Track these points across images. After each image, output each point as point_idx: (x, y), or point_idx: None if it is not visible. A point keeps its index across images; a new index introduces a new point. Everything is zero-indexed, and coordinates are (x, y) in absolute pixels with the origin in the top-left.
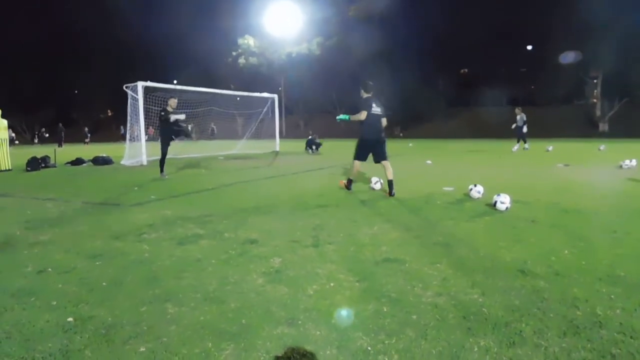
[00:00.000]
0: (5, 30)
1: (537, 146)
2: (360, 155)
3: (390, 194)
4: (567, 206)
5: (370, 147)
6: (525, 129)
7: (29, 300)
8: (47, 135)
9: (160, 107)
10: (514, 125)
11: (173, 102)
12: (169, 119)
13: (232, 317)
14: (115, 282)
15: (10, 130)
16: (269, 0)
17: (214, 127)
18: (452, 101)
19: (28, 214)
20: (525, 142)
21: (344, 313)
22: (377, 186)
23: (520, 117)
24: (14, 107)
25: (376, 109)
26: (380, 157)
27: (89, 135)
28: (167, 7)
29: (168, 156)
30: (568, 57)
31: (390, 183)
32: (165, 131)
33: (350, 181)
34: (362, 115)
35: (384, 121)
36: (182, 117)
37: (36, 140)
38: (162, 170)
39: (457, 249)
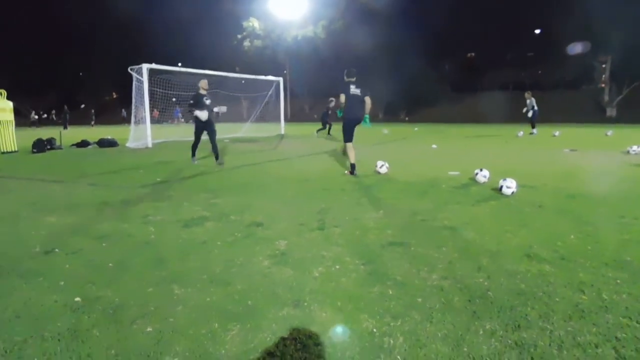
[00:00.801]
0: (11, 12)
1: (543, 131)
2: (348, 137)
3: (351, 172)
4: (573, 191)
5: (354, 128)
6: (530, 114)
7: (37, 281)
8: (54, 117)
9: (164, 88)
10: (524, 110)
11: (204, 84)
12: (206, 100)
13: (238, 299)
14: (121, 264)
15: (34, 112)
16: None
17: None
18: (458, 85)
19: (35, 196)
20: (533, 127)
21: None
22: (383, 170)
23: (530, 101)
24: (19, 90)
25: (355, 90)
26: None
27: (94, 117)
28: None
29: (173, 139)
30: (576, 48)
31: (353, 165)
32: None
33: (353, 166)
34: (342, 98)
35: (368, 100)
36: (223, 109)
37: (36, 117)
38: (193, 155)
39: (462, 233)
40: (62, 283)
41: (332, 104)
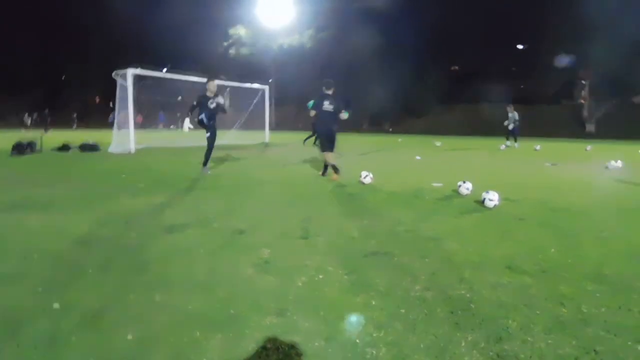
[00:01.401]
0: None
1: (525, 145)
2: (325, 147)
3: (323, 174)
4: (554, 205)
5: (327, 140)
6: (511, 127)
7: (14, 286)
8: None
9: (146, 94)
10: (506, 122)
11: (213, 86)
12: (210, 104)
13: (221, 307)
14: (102, 269)
15: (27, 115)
16: None
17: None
18: (442, 97)
19: (14, 199)
20: (515, 141)
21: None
22: (367, 180)
23: (512, 115)
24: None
25: (328, 107)
26: (331, 145)
27: (76, 120)
28: None
29: (156, 144)
30: (563, 60)
31: (326, 167)
32: (208, 118)
33: (334, 167)
34: (312, 113)
35: (343, 115)
36: (226, 102)
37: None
38: (205, 164)
39: (445, 244)
40: (40, 289)
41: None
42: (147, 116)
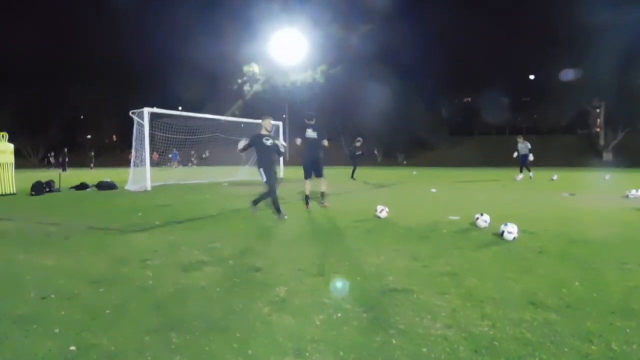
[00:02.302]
0: (12, 54)
1: (541, 175)
2: (305, 174)
3: (322, 204)
4: (574, 236)
5: (310, 166)
6: (525, 157)
7: (31, 327)
8: (52, 160)
9: (164, 132)
10: (515, 155)
11: (268, 124)
12: (267, 141)
13: (238, 347)
14: (118, 309)
15: (53, 154)
16: (275, 28)
17: (207, 152)
18: (455, 129)
19: (31, 239)
20: (529, 171)
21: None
22: (383, 214)
23: (524, 145)
24: (20, 131)
25: (311, 134)
26: (317, 173)
27: (93, 159)
28: (173, 33)
29: (172, 182)
30: (568, 75)
31: (322, 194)
32: (264, 158)
33: (306, 198)
34: (298, 141)
35: (325, 142)
36: (282, 142)
37: (52, 161)
38: (279, 210)
39: (465, 279)
40: (57, 330)
41: (359, 144)
42: (162, 154)
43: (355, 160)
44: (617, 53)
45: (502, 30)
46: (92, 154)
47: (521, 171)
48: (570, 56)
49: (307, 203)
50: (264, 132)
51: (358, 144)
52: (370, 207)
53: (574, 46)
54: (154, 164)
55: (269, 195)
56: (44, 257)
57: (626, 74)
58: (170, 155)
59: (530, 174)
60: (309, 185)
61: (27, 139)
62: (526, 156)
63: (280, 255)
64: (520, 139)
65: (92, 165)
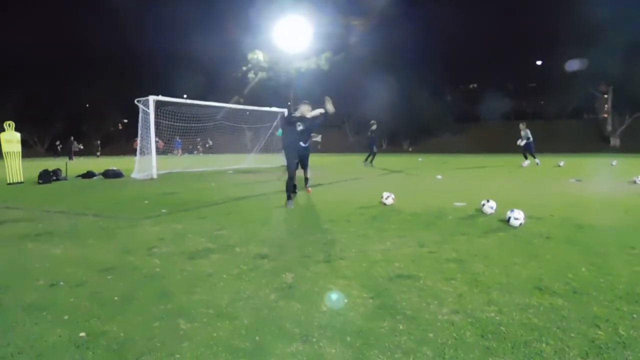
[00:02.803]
0: (17, 44)
1: (548, 161)
2: (302, 164)
3: (306, 187)
4: (581, 222)
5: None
6: (522, 143)
7: (40, 315)
8: (60, 148)
9: (169, 120)
10: (519, 141)
11: (306, 109)
12: (299, 129)
13: (245, 334)
14: (126, 297)
15: (76, 143)
16: (278, 15)
17: (210, 141)
18: (460, 116)
19: (39, 227)
20: (534, 157)
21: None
22: (389, 201)
23: (525, 132)
24: (26, 120)
25: (300, 127)
26: (301, 164)
27: (99, 148)
28: (177, 21)
29: (177, 170)
30: (574, 65)
31: (305, 180)
32: (290, 142)
33: (294, 189)
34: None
35: (314, 135)
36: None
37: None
38: (289, 197)
39: (471, 265)
40: (66, 317)
41: (374, 127)
42: (168, 142)
43: (372, 146)
44: (625, 37)
45: (508, 15)
46: (99, 142)
47: (526, 158)
48: (577, 40)
49: (307, 188)
50: (298, 113)
51: (373, 127)
52: (376, 194)
53: (580, 30)
54: (159, 152)
55: (291, 178)
56: (51, 245)
57: (634, 58)
58: (173, 144)
59: (537, 160)
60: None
61: (33, 129)
62: (528, 143)
63: (286, 242)
64: (522, 126)
65: (98, 153)
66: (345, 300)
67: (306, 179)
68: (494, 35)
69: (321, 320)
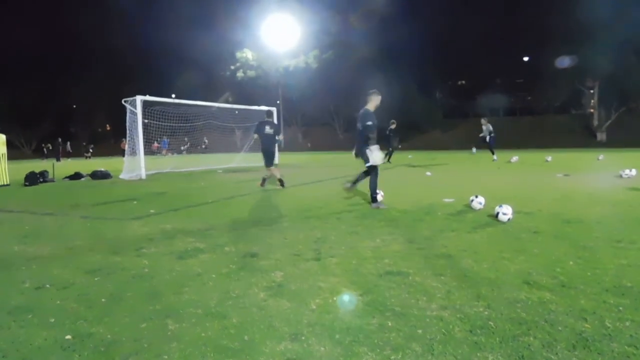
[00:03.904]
0: (3, 44)
1: (536, 156)
2: (267, 163)
3: (282, 185)
4: (569, 216)
5: (265, 155)
6: (488, 139)
7: (26, 318)
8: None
9: (157, 119)
10: (481, 135)
11: (377, 99)
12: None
13: (234, 333)
14: (114, 298)
15: (68, 144)
16: (267, 13)
17: (206, 140)
18: (449, 112)
19: (26, 229)
20: (492, 153)
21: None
22: (378, 198)
23: (487, 127)
24: (13, 122)
25: (269, 130)
26: (268, 164)
27: (90, 149)
28: (164, 20)
29: (166, 170)
30: (564, 62)
31: (264, 180)
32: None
33: (281, 180)
34: (256, 136)
35: (280, 137)
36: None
37: (46, 152)
38: (375, 199)
39: (460, 261)
40: (52, 320)
41: (394, 126)
42: (158, 142)
43: (391, 144)
44: (611, 33)
45: (497, 12)
46: (91, 145)
47: (493, 153)
48: (564, 37)
49: (281, 184)
50: (370, 108)
51: (393, 126)
52: (365, 191)
53: (568, 27)
54: (149, 152)
55: (369, 177)
56: (38, 247)
57: (620, 54)
58: (160, 144)
59: (494, 156)
60: (276, 171)
61: (20, 130)
62: (491, 138)
63: (275, 240)
64: (484, 121)
65: (88, 154)
66: (356, 302)
67: (264, 180)
68: (483, 31)
69: (310, 318)
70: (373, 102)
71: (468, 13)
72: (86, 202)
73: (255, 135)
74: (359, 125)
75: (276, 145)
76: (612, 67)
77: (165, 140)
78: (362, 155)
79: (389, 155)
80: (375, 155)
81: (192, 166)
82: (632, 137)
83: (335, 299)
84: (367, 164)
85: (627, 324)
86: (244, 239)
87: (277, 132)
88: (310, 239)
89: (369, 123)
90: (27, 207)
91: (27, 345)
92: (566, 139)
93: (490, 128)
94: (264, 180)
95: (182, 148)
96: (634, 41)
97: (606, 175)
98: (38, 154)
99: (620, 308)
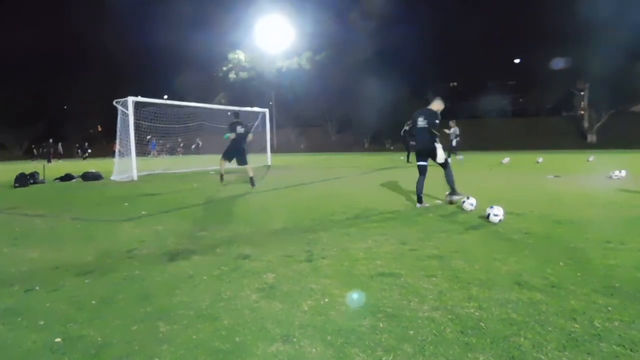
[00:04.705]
0: None
1: (527, 157)
2: (225, 155)
3: (252, 185)
4: (559, 217)
5: (234, 154)
6: (454, 142)
7: (15, 321)
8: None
9: (149, 120)
10: (451, 137)
11: (442, 104)
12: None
13: (226, 335)
14: (105, 300)
15: (60, 145)
16: (259, 15)
17: (199, 141)
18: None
19: (16, 231)
20: (455, 155)
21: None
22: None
23: (454, 130)
24: (3, 122)
25: (240, 130)
26: (242, 162)
27: (88, 150)
28: (157, 21)
29: (158, 171)
30: (559, 63)
31: (251, 179)
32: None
33: (221, 176)
34: (232, 135)
35: (250, 136)
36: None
37: (35, 153)
38: (454, 191)
39: (451, 262)
40: (42, 322)
41: (408, 127)
42: (147, 144)
43: (407, 143)
44: (602, 35)
45: (488, 15)
46: (86, 144)
47: (454, 155)
48: (556, 39)
49: (221, 178)
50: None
51: (407, 127)
52: (358, 193)
53: (559, 29)
54: (141, 153)
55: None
56: (28, 249)
57: (610, 56)
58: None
59: (458, 157)
60: (224, 165)
61: (11, 132)
62: (452, 141)
63: (268, 242)
64: (452, 123)
65: (86, 155)
66: (365, 299)
67: (251, 178)
68: (475, 34)
69: (302, 319)
70: (437, 105)
71: (460, 16)
72: (77, 204)
73: (233, 135)
74: (422, 122)
75: (246, 143)
76: (602, 69)
77: (154, 142)
78: (430, 151)
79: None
80: (441, 151)
81: (184, 167)
82: (622, 139)
83: (339, 299)
84: (441, 161)
85: (616, 323)
86: (236, 240)
87: (247, 132)
88: (302, 240)
89: (438, 121)
90: (17, 209)
91: (15, 349)
92: (557, 141)
93: (457, 132)
94: (251, 180)
95: (179, 149)
96: (624, 44)
97: (596, 177)
98: (29, 155)
99: (609, 308)
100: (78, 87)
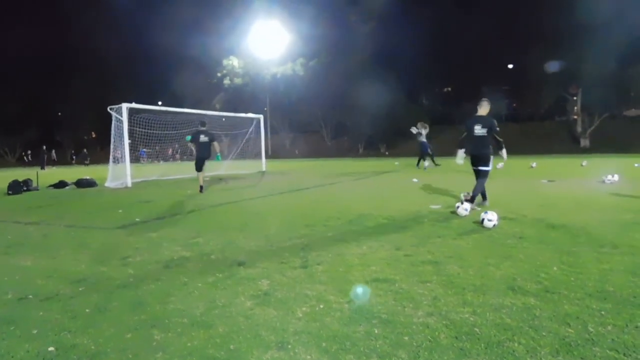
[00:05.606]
0: None
1: (521, 162)
2: (197, 167)
3: (200, 191)
4: (553, 222)
5: (201, 162)
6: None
7: (8, 330)
8: (28, 159)
9: (143, 127)
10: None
11: (489, 106)
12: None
13: (220, 342)
14: (99, 308)
15: (54, 152)
16: (253, 21)
17: (194, 148)
18: (436, 119)
19: (9, 239)
20: (424, 161)
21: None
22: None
23: (425, 131)
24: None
25: (204, 138)
26: (199, 169)
27: (88, 157)
28: (151, 28)
29: (153, 177)
30: (554, 66)
31: (201, 187)
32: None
33: (201, 187)
34: (192, 145)
35: (215, 145)
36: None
37: (26, 160)
38: (484, 197)
39: (446, 267)
40: (35, 331)
41: (426, 130)
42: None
43: (427, 149)
44: (594, 40)
45: (482, 20)
46: (84, 150)
47: (423, 160)
48: (549, 44)
49: (201, 189)
50: (481, 113)
51: (423, 131)
52: (353, 198)
53: (552, 34)
54: (134, 160)
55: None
56: (22, 257)
57: (603, 61)
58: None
59: (426, 164)
60: (201, 176)
61: (3, 138)
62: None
63: (262, 248)
64: (419, 125)
65: (86, 162)
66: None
67: (201, 187)
68: (468, 39)
69: (297, 326)
70: (485, 109)
71: (454, 21)
72: (71, 211)
73: (192, 145)
74: (481, 131)
75: (210, 152)
76: (594, 73)
77: (143, 150)
78: (486, 158)
79: (430, 159)
80: (492, 162)
81: (178, 174)
82: (615, 143)
83: (334, 305)
84: (486, 168)
85: (609, 328)
86: (231, 247)
87: (212, 140)
88: (297, 246)
89: (498, 128)
90: (10, 217)
91: (8, 358)
92: (551, 145)
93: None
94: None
95: (177, 155)
96: (616, 47)
97: (590, 181)
98: (21, 162)
99: (603, 312)
100: (72, 93)
